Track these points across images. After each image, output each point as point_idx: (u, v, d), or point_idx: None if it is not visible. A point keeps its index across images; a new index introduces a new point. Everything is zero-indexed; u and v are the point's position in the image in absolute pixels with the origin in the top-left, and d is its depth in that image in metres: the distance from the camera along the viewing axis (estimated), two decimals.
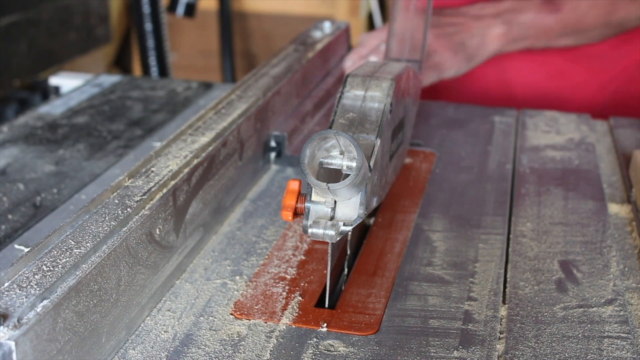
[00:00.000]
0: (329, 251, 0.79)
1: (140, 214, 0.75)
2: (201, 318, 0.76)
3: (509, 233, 0.94)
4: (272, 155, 1.09)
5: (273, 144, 1.09)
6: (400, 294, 0.81)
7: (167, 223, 0.79)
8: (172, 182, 0.81)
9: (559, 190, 1.05)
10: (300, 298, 0.80)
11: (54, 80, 1.51)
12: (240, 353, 0.71)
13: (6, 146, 1.14)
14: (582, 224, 0.96)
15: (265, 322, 0.76)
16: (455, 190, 1.06)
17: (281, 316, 0.77)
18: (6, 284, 0.62)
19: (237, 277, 0.84)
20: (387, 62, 0.93)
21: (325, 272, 0.83)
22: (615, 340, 0.74)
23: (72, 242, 0.68)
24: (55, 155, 1.12)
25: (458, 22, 1.25)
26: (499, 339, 0.75)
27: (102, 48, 3.04)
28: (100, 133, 1.21)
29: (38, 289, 0.61)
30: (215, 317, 0.77)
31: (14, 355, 0.56)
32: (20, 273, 0.64)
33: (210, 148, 0.90)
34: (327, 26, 1.37)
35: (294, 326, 0.76)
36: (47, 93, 2.00)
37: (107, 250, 0.68)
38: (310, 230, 0.75)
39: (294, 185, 0.78)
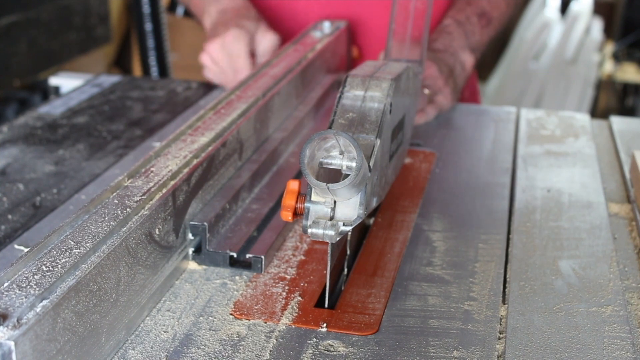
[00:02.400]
0: (329, 251, 0.79)
1: (139, 214, 0.75)
2: (201, 318, 0.76)
3: (508, 233, 0.94)
4: (190, 251, 0.86)
5: (190, 236, 0.86)
6: (400, 294, 0.81)
7: (167, 223, 0.79)
8: (172, 182, 0.81)
9: (559, 189, 1.05)
10: (300, 298, 0.80)
11: (54, 80, 1.51)
12: (240, 353, 0.71)
13: (6, 146, 1.14)
14: (582, 224, 0.96)
15: (265, 322, 0.76)
16: (455, 190, 1.06)
17: (281, 316, 0.77)
18: (6, 284, 0.62)
19: (237, 277, 0.84)
20: (387, 63, 0.93)
21: (325, 272, 0.83)
22: (615, 340, 0.74)
23: (72, 242, 0.68)
24: (55, 156, 1.12)
25: (445, 59, 1.29)
26: (499, 339, 0.75)
27: (102, 48, 3.04)
28: (100, 133, 1.21)
29: (37, 289, 0.61)
30: (215, 317, 0.77)
31: (14, 355, 0.56)
32: (19, 273, 0.64)
33: (210, 148, 0.90)
34: (326, 26, 1.37)
35: (293, 326, 0.76)
36: (47, 93, 2.00)
37: (106, 251, 0.68)
38: (309, 231, 0.75)
39: (293, 185, 0.78)
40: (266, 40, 1.34)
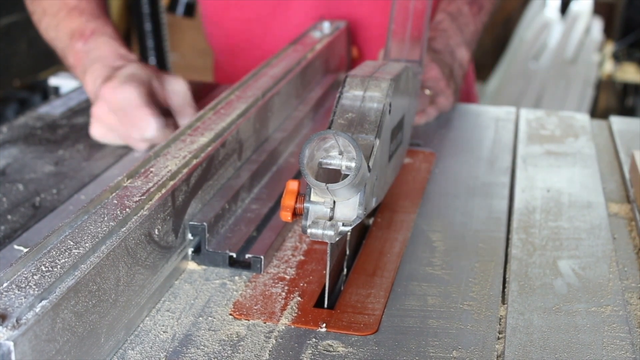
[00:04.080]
0: (328, 251, 0.79)
1: (139, 214, 0.75)
2: (200, 318, 0.76)
3: (508, 232, 0.94)
4: (190, 251, 0.85)
5: (190, 236, 0.86)
6: (400, 294, 0.81)
7: (166, 223, 0.79)
8: (171, 183, 0.81)
9: (559, 189, 1.05)
10: (299, 298, 0.80)
11: (53, 81, 1.51)
12: (240, 353, 0.71)
13: (6, 146, 1.14)
14: (582, 224, 0.96)
15: (265, 323, 0.76)
16: (454, 190, 1.06)
17: (280, 316, 0.77)
18: (5, 284, 0.62)
19: (236, 278, 0.84)
20: (386, 63, 0.93)
21: (324, 272, 0.83)
22: (615, 340, 0.74)
23: (71, 243, 0.68)
24: (55, 156, 1.12)
25: (445, 59, 1.30)
26: (498, 339, 0.75)
27: None
28: None
29: (37, 289, 0.61)
30: (214, 318, 0.77)
31: (13, 356, 0.56)
32: (19, 273, 0.64)
33: (209, 148, 0.90)
34: (326, 26, 1.37)
35: (293, 326, 0.76)
36: (47, 93, 2.00)
37: (106, 251, 0.68)
38: (309, 231, 0.75)
39: (293, 185, 0.78)
40: (178, 85, 1.14)
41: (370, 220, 0.96)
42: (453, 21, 1.36)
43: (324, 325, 0.75)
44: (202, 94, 1.39)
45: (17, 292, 0.61)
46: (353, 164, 0.72)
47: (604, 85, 4.38)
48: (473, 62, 1.62)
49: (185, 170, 0.84)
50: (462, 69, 1.33)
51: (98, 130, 1.13)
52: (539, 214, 0.98)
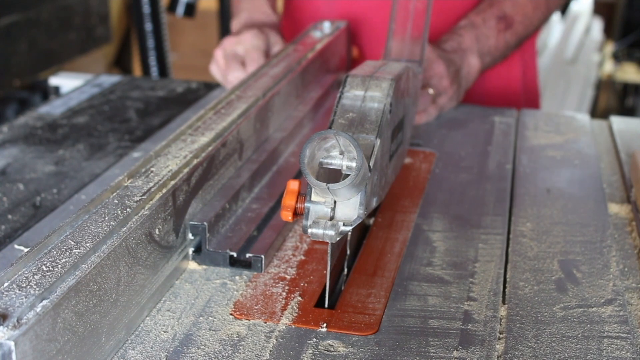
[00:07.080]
0: (329, 251, 0.79)
1: (139, 214, 0.75)
2: (201, 318, 0.76)
3: (508, 233, 0.94)
4: (190, 250, 0.86)
5: (190, 236, 0.86)
6: (400, 294, 0.81)
7: (167, 223, 0.79)
8: (172, 182, 0.81)
9: (559, 190, 1.05)
10: (300, 298, 0.80)
11: (54, 81, 1.51)
12: (240, 353, 0.71)
13: (6, 146, 1.14)
14: (582, 224, 0.96)
15: (265, 322, 0.76)
16: (455, 190, 1.06)
17: (281, 316, 0.77)
18: (6, 284, 0.62)
19: (237, 277, 0.84)
20: (386, 63, 0.93)
21: (325, 272, 0.83)
22: (615, 340, 0.74)
23: (72, 242, 0.68)
24: (55, 156, 1.12)
25: (453, 59, 1.30)
26: (499, 339, 0.75)
27: (102, 48, 3.04)
28: (100, 133, 1.21)
29: (38, 289, 0.61)
30: (215, 317, 0.77)
31: (14, 355, 0.56)
32: (19, 273, 0.64)
33: (210, 148, 0.90)
34: (326, 26, 1.37)
35: (293, 326, 0.76)
36: (47, 93, 2.00)
37: (106, 251, 0.68)
38: (310, 231, 0.75)
39: (293, 185, 0.78)
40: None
41: (371, 220, 0.96)
42: (473, 29, 1.35)
43: (325, 325, 0.76)
44: (202, 94, 1.39)
45: (18, 291, 0.61)
46: (354, 164, 0.72)
47: (604, 85, 4.38)
48: (534, 63, 1.59)
49: (186, 170, 0.84)
50: (469, 74, 1.33)
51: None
52: (539, 214, 0.98)
